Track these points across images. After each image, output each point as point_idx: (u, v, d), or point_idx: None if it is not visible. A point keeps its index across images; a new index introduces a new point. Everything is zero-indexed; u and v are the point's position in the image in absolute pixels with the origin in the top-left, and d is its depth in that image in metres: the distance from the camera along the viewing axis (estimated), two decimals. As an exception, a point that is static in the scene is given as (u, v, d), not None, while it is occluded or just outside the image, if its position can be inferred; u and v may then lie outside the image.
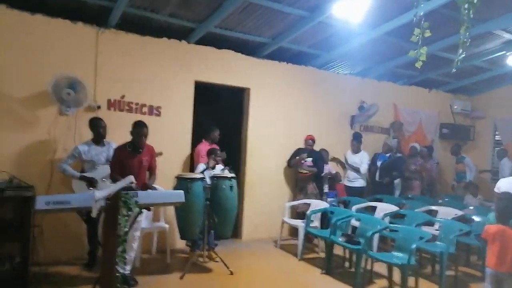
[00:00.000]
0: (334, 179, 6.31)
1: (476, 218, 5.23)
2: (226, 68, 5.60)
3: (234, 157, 5.89)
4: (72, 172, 4.13)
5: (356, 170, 6.41)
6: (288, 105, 6.20)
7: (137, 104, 4.94)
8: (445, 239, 4.56)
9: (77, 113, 4.50)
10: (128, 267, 3.79)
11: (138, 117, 4.74)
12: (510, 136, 7.88)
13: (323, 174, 6.06)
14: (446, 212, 5.45)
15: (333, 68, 6.78)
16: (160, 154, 4.71)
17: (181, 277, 4.11)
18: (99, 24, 4.68)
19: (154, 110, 5.06)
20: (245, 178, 5.83)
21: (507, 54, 6.35)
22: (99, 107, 4.67)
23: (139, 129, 3.79)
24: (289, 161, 6.05)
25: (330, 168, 6.30)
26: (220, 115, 6.12)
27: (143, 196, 3.26)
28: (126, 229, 3.01)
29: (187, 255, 4.91)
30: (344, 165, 6.73)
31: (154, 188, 3.83)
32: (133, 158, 3.80)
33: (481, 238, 3.63)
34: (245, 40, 5.52)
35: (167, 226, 4.69)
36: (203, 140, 5.24)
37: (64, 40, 4.49)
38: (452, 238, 4.46)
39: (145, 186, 3.74)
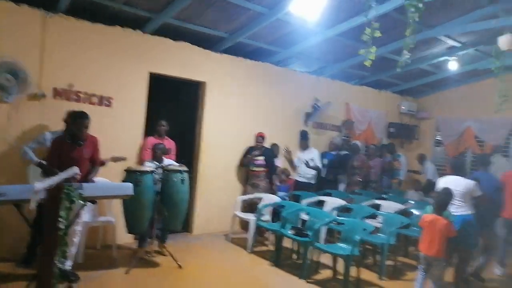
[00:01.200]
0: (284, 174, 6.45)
1: (416, 212, 5.58)
2: (182, 61, 5.52)
3: (189, 150, 5.84)
4: (32, 156, 3.96)
5: (312, 167, 6.56)
6: (245, 100, 6.24)
7: (86, 93, 4.75)
8: (387, 231, 4.83)
9: (20, 101, 4.26)
10: (69, 263, 3.66)
11: (87, 107, 4.59)
12: (450, 136, 8.46)
13: (276, 171, 6.18)
14: (389, 206, 5.78)
15: (290, 65, 6.90)
16: (124, 159, 4.57)
17: (127, 272, 4.04)
18: (47, 8, 4.44)
19: (104, 101, 4.89)
20: (198, 172, 5.81)
21: (450, 59, 6.78)
22: (44, 96, 4.44)
23: (80, 120, 3.62)
24: (241, 161, 6.09)
25: (278, 162, 6.44)
26: (177, 109, 6.01)
27: (89, 188, 3.16)
28: (68, 223, 2.91)
29: (134, 249, 4.82)
30: (291, 161, 6.86)
31: (92, 181, 3.71)
32: (73, 150, 3.64)
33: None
34: (203, 34, 5.48)
35: (113, 220, 4.57)
36: (154, 135, 5.16)
37: (6, 22, 4.21)
38: (393, 230, 4.75)
39: (85, 180, 3.62)
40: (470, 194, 4.28)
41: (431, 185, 7.37)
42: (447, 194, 3.84)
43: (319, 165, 6.64)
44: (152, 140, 5.05)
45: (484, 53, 6.72)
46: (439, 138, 8.87)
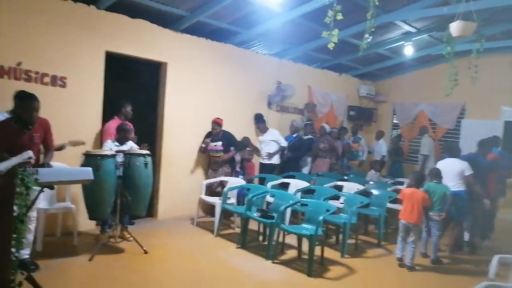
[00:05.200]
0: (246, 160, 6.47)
1: (375, 192, 5.83)
2: (141, 40, 5.28)
3: (151, 133, 5.66)
4: None
5: (271, 151, 6.62)
6: (207, 82, 6.11)
7: (37, 73, 4.42)
8: (348, 211, 5.01)
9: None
10: (26, 251, 3.46)
11: (39, 88, 4.30)
12: (405, 119, 8.86)
13: (237, 157, 6.15)
14: (350, 187, 5.98)
15: (252, 47, 6.84)
16: (83, 143, 4.31)
17: (90, 259, 3.89)
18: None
19: (58, 81, 4.58)
20: (161, 156, 5.66)
21: (405, 44, 7.04)
22: (-12, 74, 4.08)
23: (27, 102, 3.32)
24: (200, 147, 6.00)
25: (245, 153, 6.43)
26: (136, 89, 5.76)
27: (46, 174, 2.98)
28: (23, 210, 2.73)
29: (97, 236, 4.65)
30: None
31: (50, 166, 3.50)
32: (22, 135, 3.37)
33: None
34: (161, 11, 5.26)
35: (73, 206, 4.36)
36: (115, 117, 4.93)
37: None
38: (354, 210, 4.92)
39: (41, 165, 3.40)
40: (462, 173, 4.97)
41: (381, 163, 7.79)
42: (423, 174, 5.07)
43: (284, 143, 6.67)
44: (117, 123, 4.82)
45: (437, 39, 7.04)
46: (396, 122, 9.26)
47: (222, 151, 5.84)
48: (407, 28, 6.62)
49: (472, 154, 5.46)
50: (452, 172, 4.99)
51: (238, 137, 6.25)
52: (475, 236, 5.51)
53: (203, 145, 5.89)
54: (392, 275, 4.34)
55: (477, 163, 5.17)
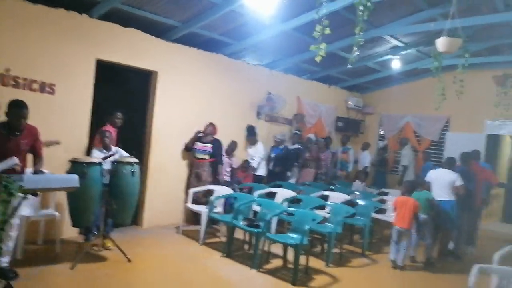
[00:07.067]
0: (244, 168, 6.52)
1: (361, 202, 5.89)
2: (132, 49, 5.31)
3: (139, 141, 5.67)
4: None
5: (255, 165, 6.74)
6: (197, 91, 6.15)
7: (25, 79, 4.41)
8: (334, 220, 5.06)
9: None
10: (6, 259, 3.40)
11: (27, 94, 4.29)
12: (392, 130, 9.01)
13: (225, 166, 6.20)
14: (336, 197, 6.04)
15: (243, 57, 6.91)
16: (57, 143, 4.29)
17: (72, 267, 3.84)
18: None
19: (46, 88, 4.57)
20: (149, 164, 5.66)
21: (393, 58, 7.19)
22: (-24, 80, 4.07)
23: (16, 110, 3.35)
24: (186, 144, 5.97)
25: (232, 161, 6.47)
26: (127, 97, 5.75)
27: (30, 180, 2.99)
28: (6, 217, 2.72)
29: (80, 244, 4.61)
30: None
31: (42, 173, 3.50)
32: (9, 141, 3.37)
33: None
34: (154, 21, 5.30)
35: (57, 213, 4.33)
36: (107, 124, 4.94)
37: None
38: (339, 219, 4.97)
39: (34, 171, 3.44)
40: (453, 184, 5.23)
41: (365, 173, 7.90)
42: (414, 182, 5.47)
43: (256, 162, 6.74)
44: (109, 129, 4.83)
45: (424, 53, 7.22)
46: (382, 133, 9.40)
47: (209, 154, 5.86)
48: (395, 42, 6.78)
49: (462, 167, 5.68)
50: (443, 182, 5.26)
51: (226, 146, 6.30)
52: (460, 245, 5.73)
53: (191, 138, 5.90)
54: (375, 284, 4.38)
55: (468, 175, 5.46)
